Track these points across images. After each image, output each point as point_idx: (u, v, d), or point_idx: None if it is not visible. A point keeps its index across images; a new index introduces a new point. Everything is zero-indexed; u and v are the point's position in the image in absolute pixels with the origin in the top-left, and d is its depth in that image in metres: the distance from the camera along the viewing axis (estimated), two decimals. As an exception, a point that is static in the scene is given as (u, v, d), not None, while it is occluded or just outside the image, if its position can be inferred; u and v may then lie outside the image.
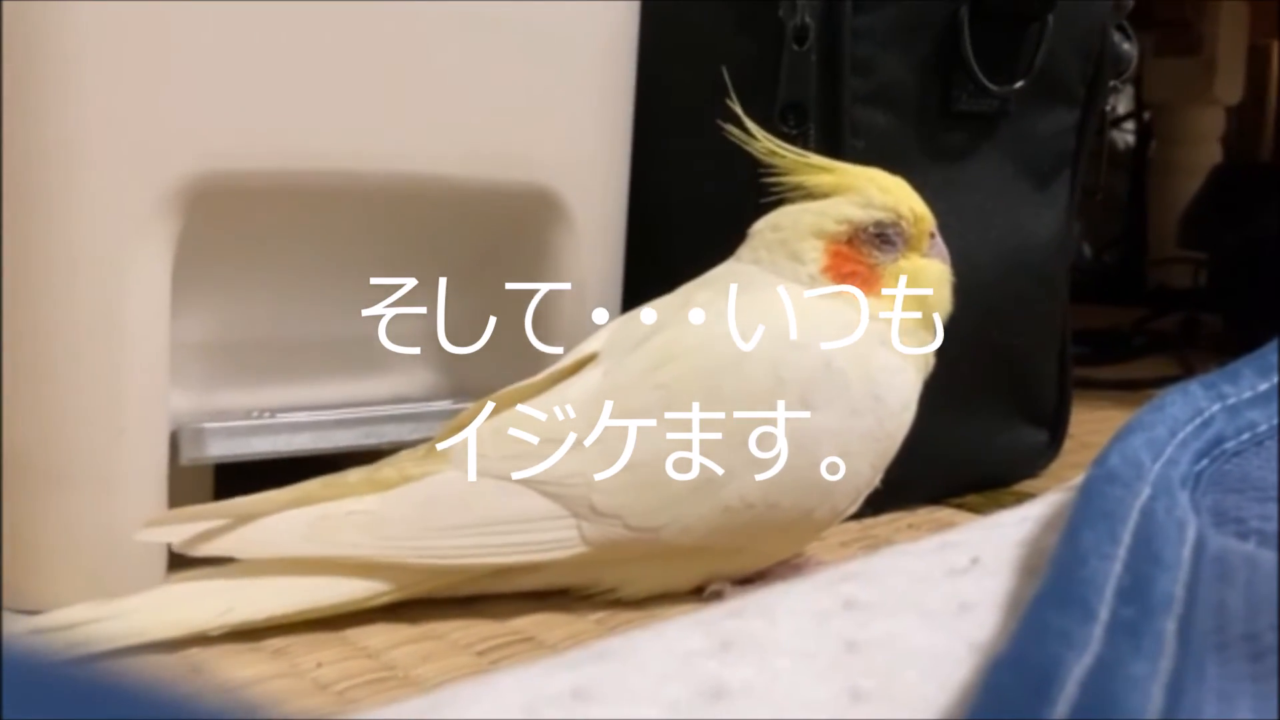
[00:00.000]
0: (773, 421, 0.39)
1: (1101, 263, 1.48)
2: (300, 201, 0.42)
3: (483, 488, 0.38)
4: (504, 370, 0.45)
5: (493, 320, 0.48)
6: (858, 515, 0.51)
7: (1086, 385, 0.77)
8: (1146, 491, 0.24)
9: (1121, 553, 0.20)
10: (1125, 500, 0.22)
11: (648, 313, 0.43)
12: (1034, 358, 0.56)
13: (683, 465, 0.38)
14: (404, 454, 0.40)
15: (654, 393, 0.39)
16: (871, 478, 0.41)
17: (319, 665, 0.34)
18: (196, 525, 0.37)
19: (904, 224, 0.43)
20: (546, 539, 0.38)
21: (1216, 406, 0.30)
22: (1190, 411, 0.29)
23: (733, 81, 0.48)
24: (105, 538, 0.38)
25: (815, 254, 0.41)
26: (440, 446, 0.39)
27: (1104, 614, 0.18)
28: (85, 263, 0.36)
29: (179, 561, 0.39)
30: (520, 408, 0.39)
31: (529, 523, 0.38)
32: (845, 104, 0.48)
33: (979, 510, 0.53)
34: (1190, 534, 0.22)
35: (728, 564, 0.41)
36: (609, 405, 0.39)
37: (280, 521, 0.37)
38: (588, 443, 0.38)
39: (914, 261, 0.43)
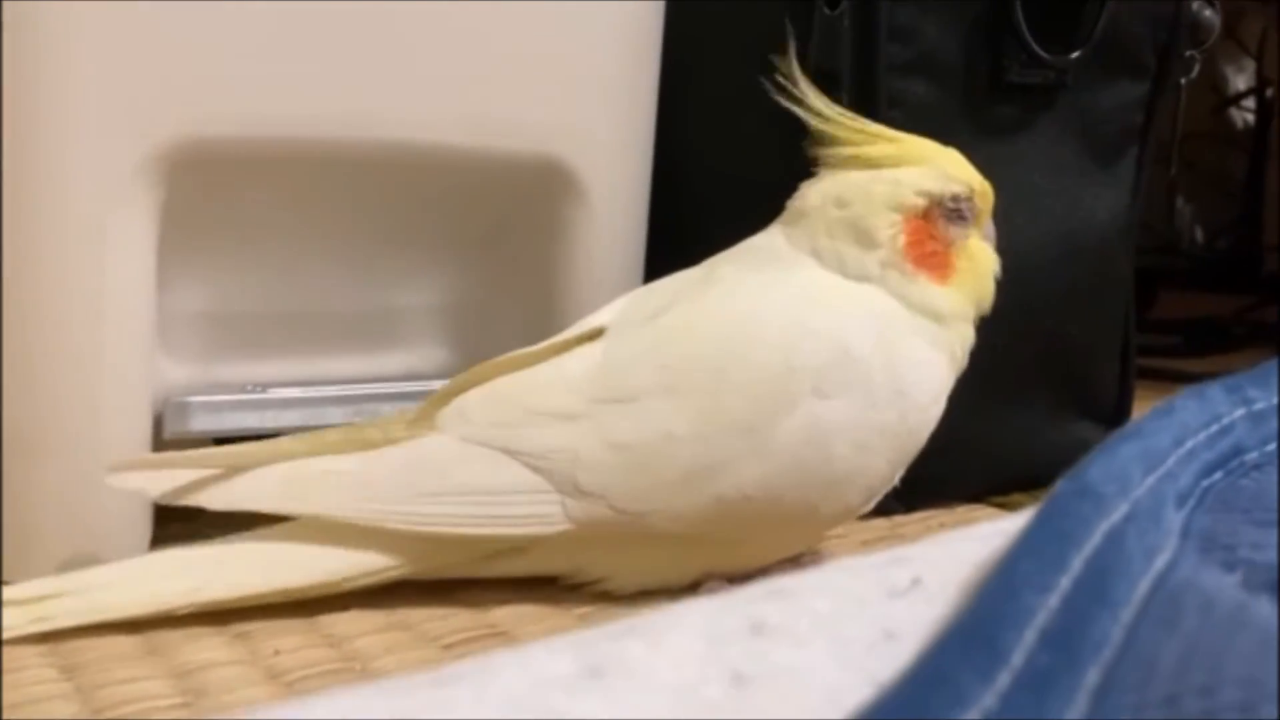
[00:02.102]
0: (780, 409, 0.36)
1: (1214, 249, 1.41)
2: (299, 171, 0.41)
3: (467, 455, 0.36)
4: (516, 347, 0.44)
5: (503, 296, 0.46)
6: (886, 512, 0.48)
7: (1175, 379, 0.72)
8: (1122, 510, 0.21)
9: (1064, 584, 0.18)
10: (1091, 520, 0.20)
11: (665, 285, 0.40)
12: (1091, 348, 0.52)
13: (677, 449, 0.36)
14: (393, 415, 0.38)
15: (655, 372, 0.36)
16: (890, 475, 0.38)
17: (276, 653, 0.33)
18: (169, 473, 0.35)
19: (975, 198, 0.40)
20: (528, 513, 0.36)
21: (1240, 412, 0.26)
22: (1205, 418, 0.26)
23: (759, 47, 0.46)
24: (86, 509, 0.37)
25: (892, 230, 0.38)
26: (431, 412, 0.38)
27: (1018, 660, 0.15)
28: (62, 232, 0.35)
29: (161, 532, 0.39)
30: (515, 376, 0.37)
31: (511, 495, 0.36)
32: (881, 72, 0.45)
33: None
34: (1158, 563, 0.19)
35: (724, 557, 0.38)
36: (606, 381, 0.36)
37: (254, 476, 0.35)
38: (579, 418, 0.36)
39: (976, 243, 0.40)
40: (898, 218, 0.38)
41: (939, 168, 0.39)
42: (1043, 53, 0.47)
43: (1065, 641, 0.16)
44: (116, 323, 0.37)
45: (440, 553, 0.36)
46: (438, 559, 0.37)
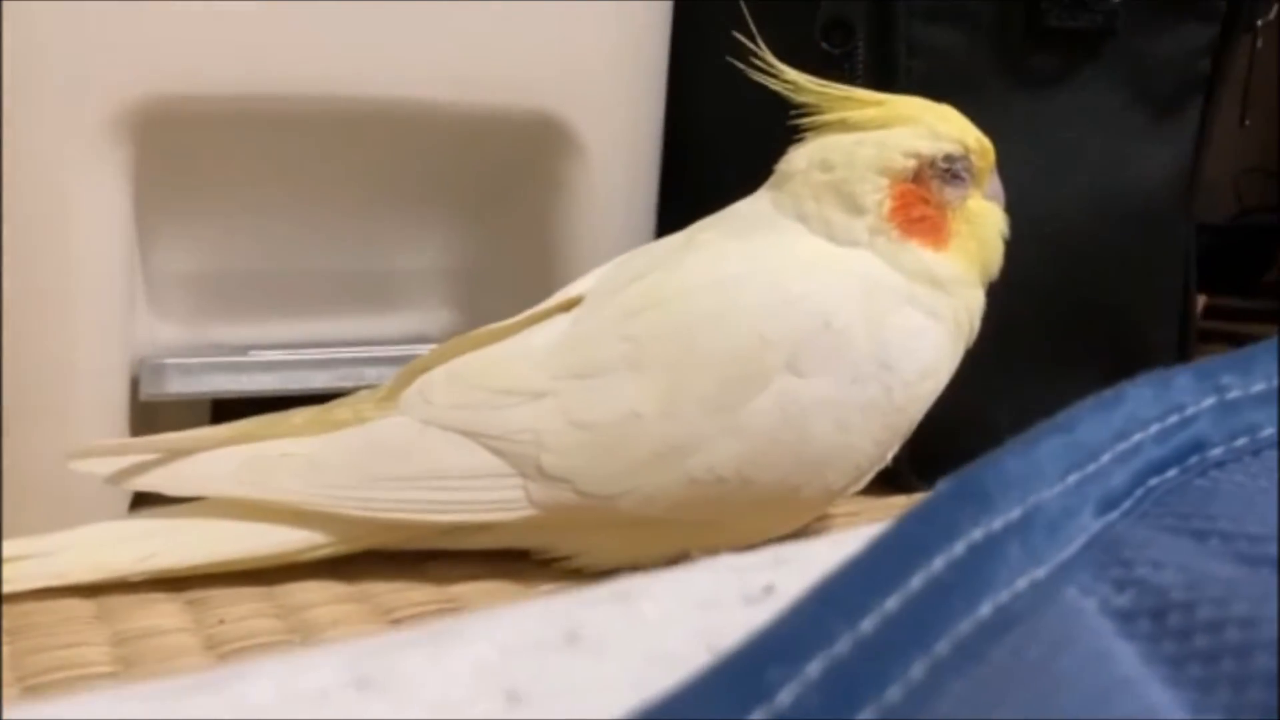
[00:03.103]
0: (752, 385, 0.34)
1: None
2: (286, 129, 0.40)
3: (427, 438, 0.35)
4: (517, 309, 0.42)
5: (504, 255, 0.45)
6: (907, 489, 0.45)
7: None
8: (1009, 516, 0.18)
9: (891, 606, 0.15)
10: (957, 527, 0.17)
11: (647, 251, 0.38)
12: (1143, 317, 0.48)
13: (643, 429, 0.34)
14: (364, 394, 0.37)
15: (621, 345, 0.35)
16: (877, 454, 0.36)
17: (221, 622, 0.32)
18: (135, 458, 0.35)
19: (973, 157, 0.37)
20: (489, 499, 0.34)
21: (1208, 402, 0.23)
22: (1163, 408, 0.23)
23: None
24: (63, 473, 0.37)
25: (878, 195, 0.35)
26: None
27: (784, 699, 0.13)
28: (24, 194, 0.35)
29: (145, 496, 0.39)
30: (479, 354, 0.36)
31: (472, 479, 0.34)
32: (900, 19, 0.42)
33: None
34: (1021, 583, 0.16)
35: (704, 538, 0.36)
36: (570, 356, 0.35)
37: (214, 459, 0.35)
38: (543, 396, 0.35)
39: (978, 203, 0.37)
40: (884, 182, 0.36)
41: (928, 126, 0.36)
42: (1088, -7, 0.43)
43: (845, 685, 0.13)
44: (87, 285, 0.36)
45: (400, 530, 0.35)
46: (398, 535, 0.36)
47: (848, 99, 0.36)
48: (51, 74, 0.35)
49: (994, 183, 0.38)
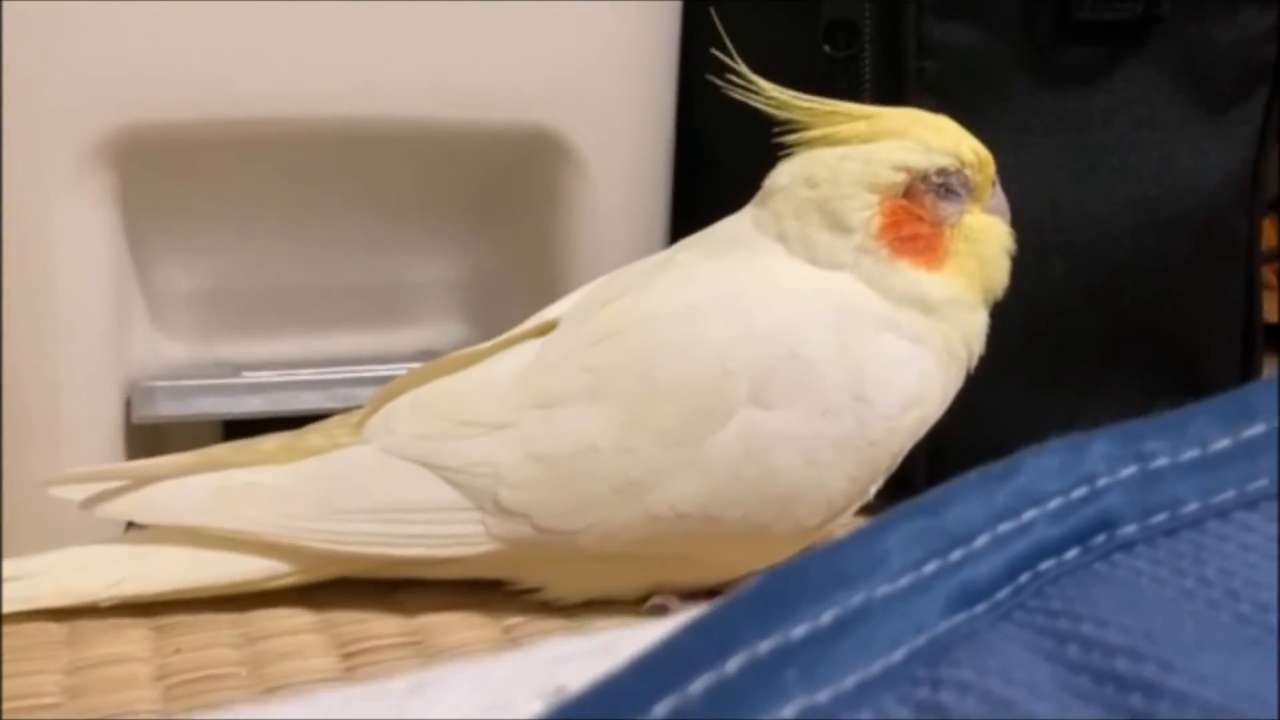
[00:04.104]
0: (714, 419, 0.32)
1: None
2: (282, 149, 0.40)
3: (388, 469, 0.34)
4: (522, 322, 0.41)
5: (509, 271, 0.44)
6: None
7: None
8: (812, 626, 0.16)
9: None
10: (729, 644, 0.16)
11: (625, 273, 0.37)
12: (1196, 333, 0.44)
13: (601, 463, 0.33)
14: (338, 419, 0.37)
15: (582, 375, 0.33)
16: (852, 490, 0.34)
17: (178, 651, 0.33)
18: (109, 484, 0.35)
19: (968, 171, 0.34)
20: (447, 533, 0.34)
21: (1127, 472, 0.20)
22: (1068, 479, 0.20)
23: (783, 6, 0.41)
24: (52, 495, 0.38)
25: (866, 213, 0.33)
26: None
27: None
28: (9, 219, 0.36)
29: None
30: (443, 382, 0.35)
31: (431, 513, 0.34)
32: (908, 17, 0.39)
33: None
34: (787, 713, 0.15)
35: (673, 573, 0.35)
36: (532, 385, 0.34)
37: (182, 487, 0.35)
38: (504, 427, 0.34)
39: (978, 218, 0.35)
40: (873, 198, 0.33)
41: (919, 139, 0.33)
42: (1120, -18, 0.39)
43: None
44: (73, 310, 0.37)
45: (363, 562, 0.35)
46: (362, 566, 0.35)
47: (834, 113, 0.34)
48: (32, 103, 0.35)
49: (996, 196, 0.35)
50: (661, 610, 0.35)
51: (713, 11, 0.38)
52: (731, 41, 0.45)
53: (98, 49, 0.36)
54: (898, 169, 0.33)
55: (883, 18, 0.39)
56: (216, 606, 0.35)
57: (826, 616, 0.17)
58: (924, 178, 0.33)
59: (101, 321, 0.38)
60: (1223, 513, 0.20)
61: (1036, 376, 0.42)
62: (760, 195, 0.35)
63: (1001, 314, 0.41)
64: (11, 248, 0.36)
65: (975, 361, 0.35)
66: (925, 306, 0.33)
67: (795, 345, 0.32)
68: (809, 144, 0.34)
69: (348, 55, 0.38)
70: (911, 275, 0.33)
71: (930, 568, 0.18)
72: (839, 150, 0.34)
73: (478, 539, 0.33)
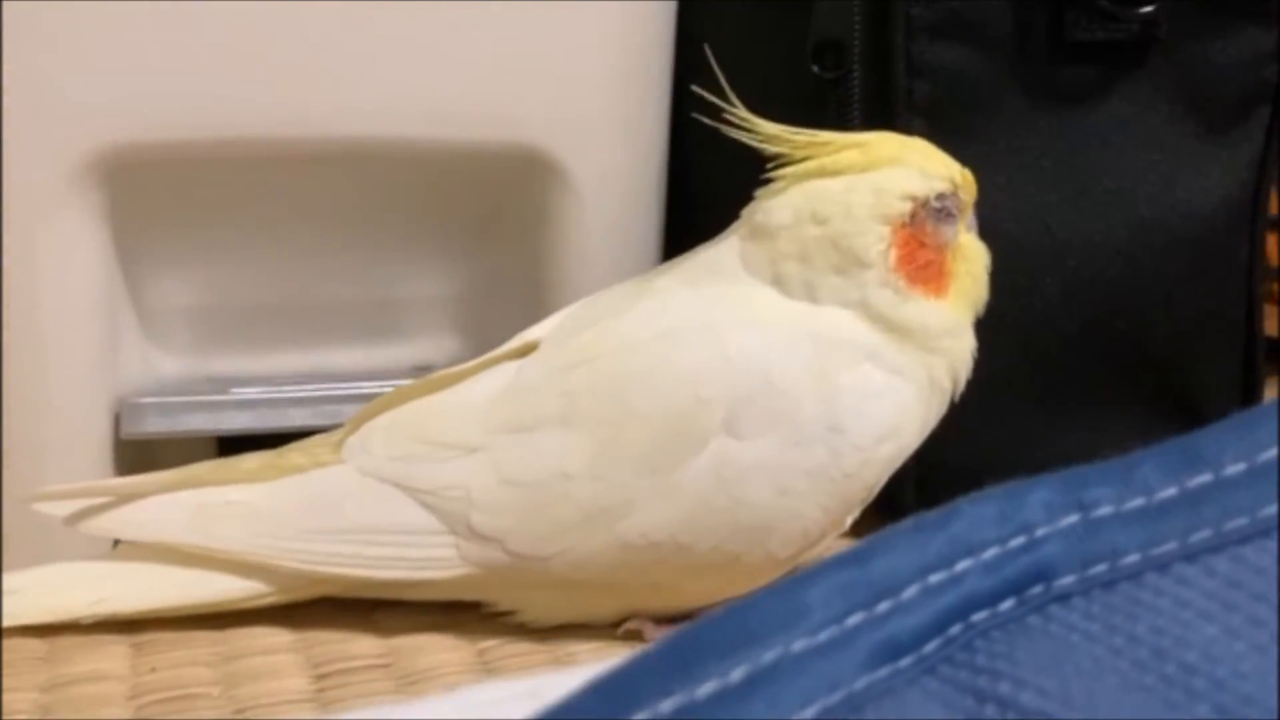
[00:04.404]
0: (686, 447, 0.32)
1: None
2: (272, 167, 0.40)
3: (364, 490, 0.34)
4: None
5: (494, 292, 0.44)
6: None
7: None
8: (721, 683, 0.16)
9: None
10: (631, 703, 0.15)
11: (606, 295, 0.37)
12: (1194, 356, 0.43)
13: (573, 489, 0.32)
14: (319, 438, 0.37)
15: (556, 400, 0.33)
16: (826, 521, 0.33)
17: (153, 670, 0.33)
18: (92, 501, 0.35)
19: (961, 193, 0.34)
20: (421, 556, 0.34)
21: (1067, 521, 0.20)
22: (1006, 528, 0.20)
23: (758, 14, 0.41)
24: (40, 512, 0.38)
25: (881, 245, 0.33)
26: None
27: None
28: (-5, 239, 0.36)
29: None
30: (421, 402, 0.35)
31: (405, 535, 0.34)
32: (898, 38, 0.39)
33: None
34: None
35: (647, 600, 0.35)
36: (507, 409, 0.34)
37: (163, 504, 0.35)
38: (478, 450, 0.33)
39: (966, 239, 0.35)
40: (885, 230, 0.33)
41: (917, 166, 0.33)
42: (1115, 2, 0.39)
43: None
44: (60, 327, 0.37)
45: (340, 583, 0.35)
46: (339, 587, 0.35)
47: (824, 143, 0.34)
48: (21, 121, 0.36)
49: (971, 216, 0.35)
50: (637, 635, 0.35)
51: (705, 42, 0.37)
52: (721, 62, 0.45)
53: (86, 67, 0.36)
54: (904, 198, 0.33)
55: (872, 38, 0.39)
56: (195, 624, 0.35)
57: (736, 674, 0.17)
58: (925, 204, 0.33)
59: (91, 338, 0.38)
60: (1162, 565, 0.20)
61: (1028, 401, 0.41)
62: (751, 231, 0.34)
63: (993, 337, 0.41)
64: (2, 264, 0.36)
65: (961, 388, 0.35)
66: (926, 337, 0.33)
67: (770, 374, 0.32)
68: (803, 174, 0.34)
69: (339, 75, 0.39)
70: (923, 305, 0.33)
71: (854, 620, 0.18)
72: (840, 182, 0.33)
73: (450, 563, 0.33)
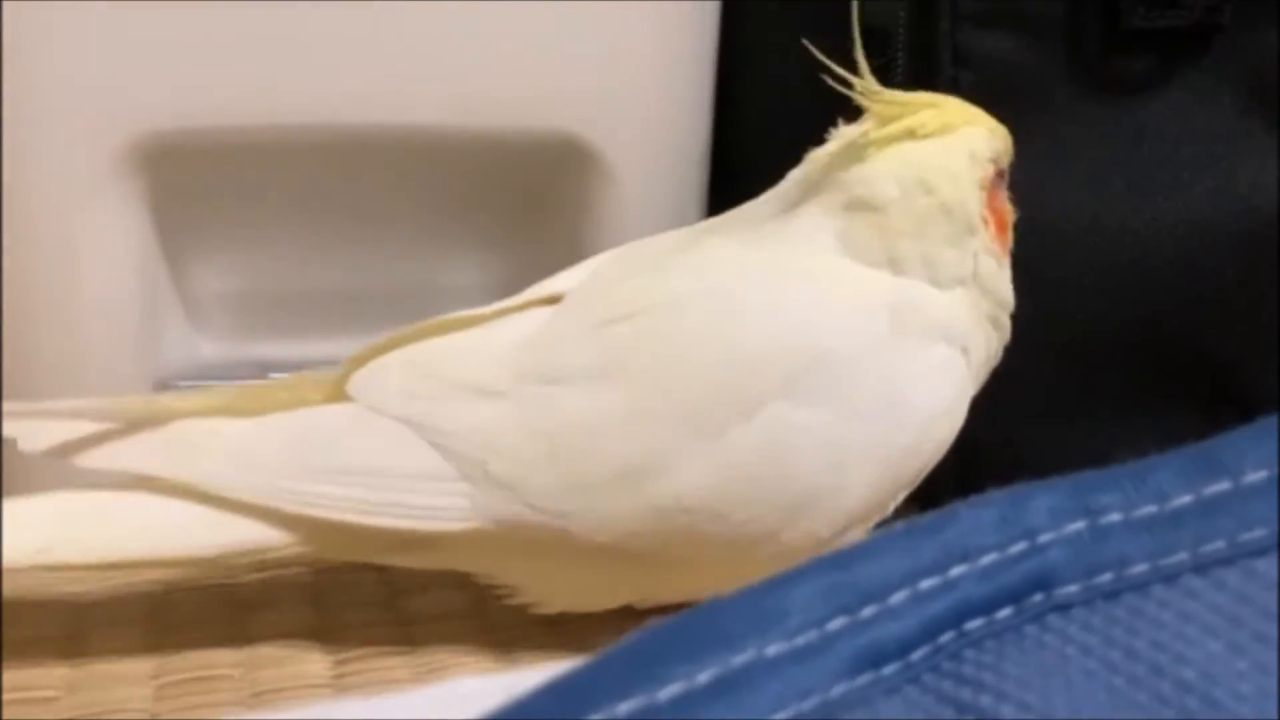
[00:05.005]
0: (737, 410, 0.30)
1: None
2: (313, 154, 0.41)
3: (370, 428, 0.31)
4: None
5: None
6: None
7: None
8: (686, 685, 0.16)
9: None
10: (590, 704, 0.15)
11: (644, 247, 0.35)
12: (1246, 358, 0.41)
13: (606, 444, 0.30)
14: (305, 376, 0.34)
15: (593, 352, 0.31)
16: (874, 501, 0.32)
17: (52, 696, 0.31)
18: (52, 425, 0.31)
19: (1009, 157, 0.34)
20: (427, 504, 0.31)
21: (1073, 527, 0.19)
22: (1006, 533, 0.19)
23: (801, 2, 0.40)
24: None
25: (983, 211, 0.32)
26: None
27: None
28: (38, 221, 0.37)
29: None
30: (441, 340, 0.33)
31: (411, 479, 0.31)
32: (943, 26, 0.38)
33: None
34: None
35: (659, 582, 0.33)
36: (538, 355, 0.32)
37: (142, 432, 0.31)
38: (502, 395, 0.31)
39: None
40: (982, 194, 0.32)
41: (987, 126, 0.33)
42: (1174, -11, 0.37)
43: None
44: (102, 311, 0.38)
45: (332, 536, 0.32)
46: (331, 542, 0.32)
47: (904, 103, 0.32)
48: (62, 107, 0.36)
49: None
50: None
51: (746, 30, 0.37)
52: (762, 52, 0.44)
53: (128, 55, 0.36)
54: (989, 160, 0.32)
55: (917, 26, 0.38)
56: (144, 625, 0.34)
57: (703, 676, 0.16)
58: (999, 165, 0.33)
59: (133, 322, 0.39)
60: (1171, 576, 0.19)
61: (1072, 400, 0.40)
62: (850, 205, 0.32)
63: (1038, 334, 0.40)
64: (42, 251, 0.37)
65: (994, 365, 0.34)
66: (1006, 308, 0.33)
67: (835, 342, 0.31)
68: (887, 140, 0.32)
69: (379, 62, 0.39)
70: (1008, 274, 0.33)
71: (835, 625, 0.18)
72: (931, 147, 0.32)
73: (460, 513, 0.31)
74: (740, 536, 0.31)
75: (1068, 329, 0.39)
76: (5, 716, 0.30)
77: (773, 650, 0.17)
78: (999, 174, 0.33)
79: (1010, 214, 0.34)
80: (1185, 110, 0.39)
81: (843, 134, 0.33)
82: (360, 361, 0.33)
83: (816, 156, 0.33)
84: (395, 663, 0.33)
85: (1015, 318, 0.38)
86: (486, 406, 0.31)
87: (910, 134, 0.32)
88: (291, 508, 0.31)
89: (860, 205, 0.32)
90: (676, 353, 0.31)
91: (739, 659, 0.16)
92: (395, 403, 0.31)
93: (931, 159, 0.32)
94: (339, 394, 0.33)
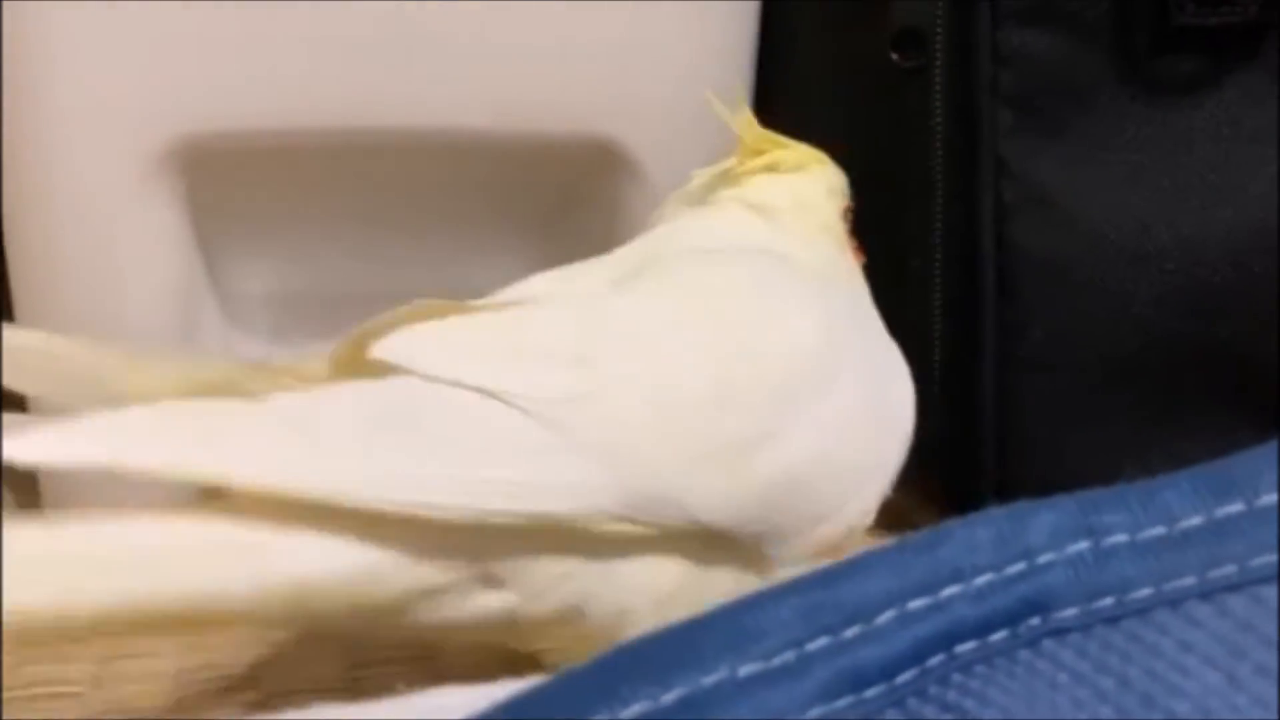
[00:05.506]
0: (820, 384, 0.29)
1: None
2: (349, 157, 0.41)
3: (449, 400, 0.26)
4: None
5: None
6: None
7: None
8: (650, 706, 0.15)
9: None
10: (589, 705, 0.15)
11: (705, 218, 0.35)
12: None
13: (712, 415, 0.28)
14: (277, 363, 0.29)
15: (670, 328, 0.29)
16: (887, 484, 0.30)
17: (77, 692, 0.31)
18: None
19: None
20: (539, 481, 0.26)
21: (1076, 548, 0.19)
22: (1003, 553, 0.18)
23: (836, 3, 0.40)
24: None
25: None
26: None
27: None
28: (69, 231, 0.37)
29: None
30: (486, 314, 0.29)
31: (513, 455, 0.26)
32: (982, 25, 0.37)
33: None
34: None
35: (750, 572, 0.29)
36: (617, 328, 0.29)
37: (162, 414, 0.24)
38: (591, 363, 0.27)
39: None
40: (844, 224, 0.36)
41: (831, 166, 0.36)
42: (1225, -14, 0.36)
43: None
44: (141, 312, 0.38)
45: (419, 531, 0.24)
46: (409, 535, 0.25)
47: (773, 141, 0.35)
48: (99, 110, 0.37)
49: None
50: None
51: (782, 34, 0.37)
52: (797, 54, 0.43)
53: (165, 58, 0.37)
54: (843, 194, 0.36)
55: (955, 25, 0.37)
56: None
57: (669, 697, 0.16)
58: (848, 204, 0.36)
59: (170, 324, 0.39)
60: (1175, 602, 0.18)
61: (1118, 413, 0.39)
62: (750, 210, 0.34)
63: (1081, 346, 0.39)
64: (81, 254, 0.37)
65: None
66: None
67: (864, 322, 0.33)
68: (752, 171, 0.35)
69: (414, 66, 0.39)
70: None
71: (815, 646, 0.17)
72: (793, 178, 0.34)
73: (578, 490, 0.26)
74: (823, 507, 0.29)
75: (1115, 335, 0.38)
76: (30, 713, 0.31)
77: (745, 671, 0.16)
78: (849, 209, 0.35)
79: (858, 251, 0.36)
80: (1237, 111, 0.38)
81: (714, 168, 0.36)
82: (367, 338, 0.28)
83: (697, 176, 0.36)
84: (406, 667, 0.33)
85: (1059, 323, 0.38)
86: (586, 376, 0.27)
87: (772, 168, 0.34)
88: (366, 502, 0.24)
89: (758, 210, 0.34)
90: (748, 333, 0.30)
91: (709, 679, 0.16)
92: (469, 370, 0.26)
93: (800, 186, 0.34)
94: (348, 374, 0.27)
